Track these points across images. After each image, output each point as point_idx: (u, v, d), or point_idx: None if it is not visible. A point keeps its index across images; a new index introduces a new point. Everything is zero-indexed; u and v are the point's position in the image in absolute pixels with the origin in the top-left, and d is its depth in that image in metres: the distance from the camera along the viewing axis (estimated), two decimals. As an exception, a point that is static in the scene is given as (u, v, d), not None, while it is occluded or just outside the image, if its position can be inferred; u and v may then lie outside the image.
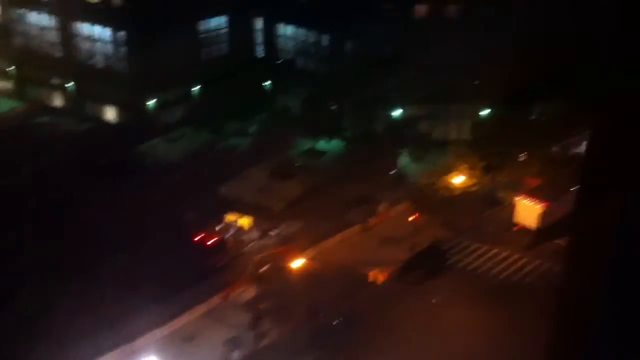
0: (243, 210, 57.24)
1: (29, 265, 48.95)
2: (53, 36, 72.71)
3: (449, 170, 58.92)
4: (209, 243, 52.45)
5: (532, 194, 58.05)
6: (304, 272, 49.98)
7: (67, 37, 71.42)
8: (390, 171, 61.95)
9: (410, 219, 54.54)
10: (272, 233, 55.29)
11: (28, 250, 49.89)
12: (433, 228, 57.15)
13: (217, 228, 54.45)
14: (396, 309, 48.99)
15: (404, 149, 64.08)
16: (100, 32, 69.25)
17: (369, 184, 60.24)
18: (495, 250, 55.85)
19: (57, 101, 75.12)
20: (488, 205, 60.50)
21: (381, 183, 60.75)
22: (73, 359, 41.76)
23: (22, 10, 73.50)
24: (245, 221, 54.37)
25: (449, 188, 58.55)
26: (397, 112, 65.36)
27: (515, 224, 57.28)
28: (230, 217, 54.29)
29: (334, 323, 46.64)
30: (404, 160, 64.05)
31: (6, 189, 56.71)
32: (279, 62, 73.81)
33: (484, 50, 64.48)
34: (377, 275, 51.03)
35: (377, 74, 65.84)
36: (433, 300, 49.88)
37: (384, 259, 53.35)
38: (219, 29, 74.32)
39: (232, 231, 53.70)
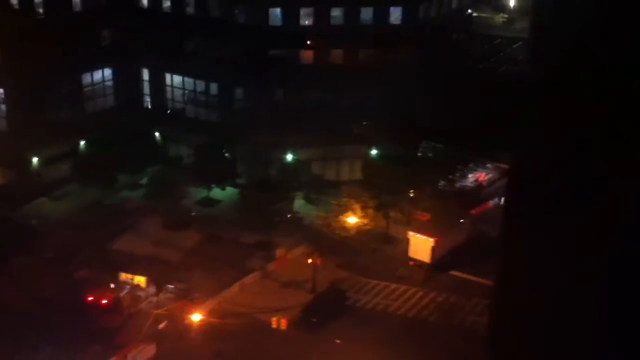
0: (139, 264, 55.96)
1: None
2: None
3: (343, 210, 59.99)
4: (103, 302, 50.73)
5: (423, 228, 59.97)
6: (206, 325, 49.27)
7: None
8: (286, 215, 62.35)
9: (309, 261, 54.91)
10: (170, 286, 54.17)
11: None
12: (331, 269, 57.81)
13: (111, 286, 52.81)
14: (301, 353, 49.07)
15: (298, 192, 64.69)
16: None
17: (266, 229, 60.34)
18: (392, 287, 57.12)
19: None
20: (382, 242, 61.94)
21: (278, 228, 60.99)
22: None
23: None
24: (141, 279, 53.03)
25: (344, 228, 59.57)
26: (289, 156, 66.12)
27: (410, 259, 58.86)
28: (125, 276, 52.77)
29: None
30: (299, 203, 64.65)
31: None
32: (168, 111, 73.19)
33: (373, 92, 66.76)
34: (280, 321, 50.95)
35: (268, 119, 66.54)
36: (337, 341, 50.33)
37: (286, 303, 53.45)
38: (104, 81, 73.02)
39: (127, 289, 52.18)
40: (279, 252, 58.55)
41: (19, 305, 49.15)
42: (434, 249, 57.90)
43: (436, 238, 58.07)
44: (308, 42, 67.56)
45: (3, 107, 66.77)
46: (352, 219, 59.93)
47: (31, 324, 47.54)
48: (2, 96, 66.30)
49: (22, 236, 56.75)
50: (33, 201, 65.50)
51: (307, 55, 67.87)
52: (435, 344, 50.21)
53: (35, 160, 66.74)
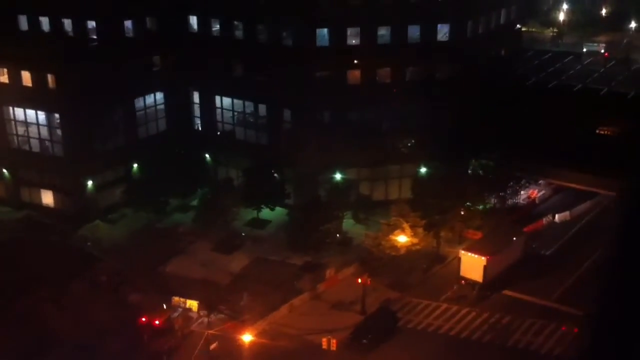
0: (189, 287, 56.54)
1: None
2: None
3: (393, 230, 59.54)
4: (156, 324, 51.29)
5: (475, 247, 59.04)
6: (256, 346, 49.28)
7: (1, 122, 70.37)
8: (335, 235, 62.20)
9: (358, 282, 54.56)
10: (220, 308, 54.50)
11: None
12: (381, 289, 57.38)
13: (164, 307, 53.41)
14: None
15: (347, 212, 64.52)
16: (35, 116, 68.49)
17: (315, 250, 60.29)
18: (444, 307, 56.29)
19: (-5, 190, 73.50)
20: (433, 262, 61.21)
21: (327, 248, 60.87)
22: None
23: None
24: (193, 303, 53.54)
25: (394, 248, 59.08)
26: (338, 176, 66.10)
27: (462, 279, 57.94)
28: (177, 300, 53.33)
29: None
30: (348, 223, 64.45)
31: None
32: (218, 134, 74.09)
33: (418, 111, 66.37)
34: (331, 342, 50.62)
35: (316, 140, 66.74)
36: (388, 362, 49.75)
37: (336, 324, 53.15)
38: (156, 105, 74.42)
39: (179, 311, 52.71)
40: (328, 272, 58.44)
41: (74, 334, 49.86)
42: (486, 268, 56.89)
43: (488, 257, 57.09)
44: (355, 62, 67.57)
45: (59, 132, 68.53)
46: (402, 238, 59.43)
47: (86, 351, 48.18)
48: (58, 121, 68.08)
49: (77, 260, 57.92)
50: (88, 225, 66.97)
51: (354, 75, 67.83)
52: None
53: (90, 184, 68.25)
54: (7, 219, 68.35)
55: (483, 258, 56.94)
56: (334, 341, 50.49)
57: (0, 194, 72.63)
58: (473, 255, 57.58)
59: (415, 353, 50.56)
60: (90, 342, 48.98)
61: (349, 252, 61.46)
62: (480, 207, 65.16)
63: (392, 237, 59.26)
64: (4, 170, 71.30)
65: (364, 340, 51.31)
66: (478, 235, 63.40)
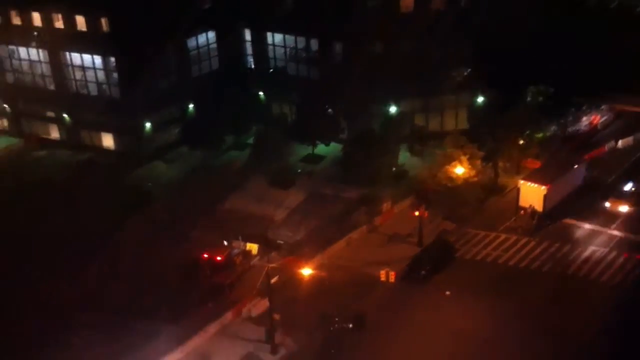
0: (247, 222, 57.50)
1: (45, 295, 49.05)
2: (44, 69, 72.95)
3: (449, 161, 58.70)
4: (217, 259, 52.49)
5: (535, 176, 57.94)
6: (314, 279, 50.00)
7: (58, 68, 71.64)
8: (391, 168, 61.80)
9: (415, 214, 54.41)
10: (279, 242, 55.36)
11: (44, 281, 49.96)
12: (439, 221, 57.17)
13: (224, 243, 54.52)
14: (409, 305, 49.08)
15: (402, 144, 63.88)
16: (90, 60, 69.42)
17: (371, 183, 60.14)
18: (502, 237, 55.81)
19: (54, 134, 75.40)
20: (491, 192, 60.44)
21: (382, 181, 60.61)
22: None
23: (11, 47, 73.77)
24: (253, 246, 54.40)
25: (451, 179, 58.33)
26: (392, 109, 65.24)
27: (521, 208, 57.13)
28: (238, 243, 54.26)
29: (349, 326, 46.70)
30: (403, 156, 63.87)
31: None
32: (271, 70, 73.80)
33: (473, 38, 64.40)
34: (388, 274, 51.01)
35: (369, 73, 65.81)
36: (447, 293, 49.94)
37: (393, 257, 53.40)
38: (208, 45, 74.36)
39: (239, 250, 53.77)
40: (384, 205, 58.44)
41: (134, 271, 51.46)
42: (546, 197, 55.88)
43: (548, 185, 56.00)
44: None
45: (114, 75, 69.41)
46: (458, 170, 58.62)
47: (146, 288, 49.81)
48: (113, 64, 68.88)
49: (137, 199, 59.29)
50: (147, 165, 68.36)
51: (406, 3, 65.99)
52: (550, 295, 48.88)
53: (147, 125, 69.34)
54: (69, 162, 70.26)
55: (543, 187, 55.89)
56: (392, 273, 50.85)
57: (63, 138, 74.64)
58: (532, 184, 56.57)
59: (474, 283, 50.51)
60: (151, 276, 50.39)
61: (404, 184, 61.15)
62: (540, 135, 63.54)
63: (449, 168, 58.49)
64: (65, 115, 72.97)
65: (422, 272, 51.47)
66: (537, 164, 62.12)
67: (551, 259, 52.74)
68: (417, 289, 50.50)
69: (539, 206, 56.21)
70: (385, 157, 61.53)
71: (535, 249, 54.16)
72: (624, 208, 57.52)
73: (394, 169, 62.00)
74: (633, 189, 58.82)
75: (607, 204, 57.94)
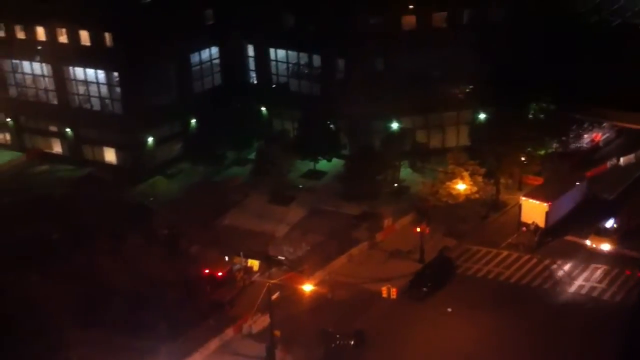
0: (247, 239, 57.44)
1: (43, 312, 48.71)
2: (47, 83, 73.19)
3: (450, 178, 58.74)
4: (218, 275, 52.37)
5: (536, 193, 57.90)
6: (316, 295, 49.87)
7: (61, 82, 71.86)
8: (392, 184, 61.80)
9: (417, 230, 54.36)
10: (280, 258, 55.23)
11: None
12: (439, 237, 57.06)
13: (225, 259, 54.41)
14: (410, 321, 48.88)
15: (403, 160, 63.90)
16: (94, 74, 69.67)
17: (372, 199, 60.13)
18: (504, 254, 55.67)
19: (56, 148, 75.44)
20: (492, 209, 60.39)
21: (384, 197, 60.59)
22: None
23: (15, 61, 74.09)
24: (254, 262, 54.32)
25: (452, 196, 58.33)
26: (393, 125, 65.40)
27: (523, 225, 57.03)
28: (239, 259, 54.17)
29: (351, 343, 46.48)
30: (404, 172, 63.88)
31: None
32: (273, 86, 73.99)
33: (474, 55, 64.61)
34: (390, 291, 50.79)
35: (371, 89, 66.01)
36: (448, 310, 49.74)
37: (394, 273, 53.26)
38: (211, 60, 74.65)
39: (240, 266, 53.65)
40: (385, 221, 58.38)
41: (133, 287, 51.08)
42: (548, 214, 55.81)
43: (550, 202, 55.94)
44: (410, 7, 66.03)
45: (117, 89, 69.63)
46: (460, 186, 58.62)
47: (145, 304, 49.45)
48: (116, 79, 69.12)
49: (137, 215, 59.23)
50: (148, 180, 68.42)
51: (408, 21, 66.29)
52: (552, 312, 48.68)
53: (148, 140, 69.42)
54: (70, 177, 70.30)
55: (545, 204, 55.84)
56: (394, 290, 50.64)
57: (65, 153, 74.72)
58: (534, 201, 56.52)
59: (475, 300, 50.32)
60: (150, 293, 50.18)
61: (406, 200, 61.14)
62: (542, 151, 63.57)
63: (450, 185, 58.48)
64: (67, 129, 73.10)
65: (424, 288, 51.29)
66: (539, 180, 62.09)
67: (553, 276, 52.56)
68: (418, 306, 50.30)
69: (540, 223, 56.11)
70: (386, 173, 61.56)
71: (537, 266, 53.98)
72: (605, 246, 55.06)
73: (395, 185, 62.01)
74: (615, 225, 56.33)
75: (588, 242, 55.55)
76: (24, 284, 50.48)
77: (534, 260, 54.52)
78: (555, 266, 53.63)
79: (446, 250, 55.71)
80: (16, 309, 45.72)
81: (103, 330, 47.50)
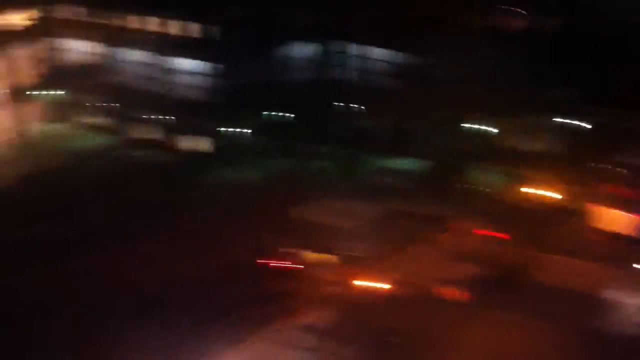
0: (320, 231, 57.81)
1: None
2: (148, 71, 76.63)
3: (529, 183, 56.59)
4: (281, 266, 53.03)
5: (622, 203, 54.79)
6: (375, 292, 49.53)
7: (161, 71, 75.07)
8: (469, 186, 60.27)
9: (488, 234, 52.79)
10: (346, 254, 55.18)
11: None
12: (512, 243, 55.07)
13: (293, 251, 55.00)
14: (470, 327, 47.47)
15: (483, 163, 62.20)
16: (192, 65, 72.33)
17: (446, 200, 58.90)
18: (581, 264, 52.98)
19: (151, 135, 78.91)
20: (571, 216, 57.62)
21: (459, 199, 59.18)
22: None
23: (119, 48, 78.11)
24: (322, 255, 54.61)
25: (530, 201, 56.18)
26: (475, 127, 63.86)
27: (606, 235, 54.09)
28: (308, 253, 54.67)
29: (404, 342, 45.86)
30: (482, 174, 62.12)
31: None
32: (362, 83, 74.15)
33: (576, 57, 61.95)
34: (451, 293, 49.71)
35: (458, 89, 64.73)
36: (512, 318, 48.02)
37: (459, 276, 51.90)
38: (305, 55, 75.72)
39: (304, 258, 54.07)
40: (456, 223, 57.09)
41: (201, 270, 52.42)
42: (635, 227, 52.64)
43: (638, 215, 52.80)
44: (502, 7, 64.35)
45: (212, 80, 71.91)
46: (540, 192, 56.35)
47: (212, 285, 50.73)
48: (213, 70, 71.23)
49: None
50: (236, 168, 70.16)
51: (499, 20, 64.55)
52: (629, 330, 45.85)
53: (238, 130, 71.24)
54: (163, 162, 73.29)
55: (632, 215, 52.76)
56: (456, 293, 49.49)
57: (159, 140, 77.96)
58: (619, 212, 53.54)
59: (543, 310, 48.16)
60: (214, 278, 51.45)
61: (481, 203, 59.48)
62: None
63: (530, 190, 56.35)
64: (161, 117, 76.29)
65: (490, 294, 49.77)
66: (627, 192, 58.64)
67: (633, 293, 49.48)
68: (480, 312, 48.77)
69: (627, 234, 53.04)
70: (465, 174, 60.11)
71: (620, 278, 50.95)
72: None
73: (472, 186, 60.49)
74: None
75: None
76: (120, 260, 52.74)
77: (612, 274, 51.55)
78: (636, 282, 50.47)
79: (518, 257, 53.71)
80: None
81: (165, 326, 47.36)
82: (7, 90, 76.08)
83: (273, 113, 72.82)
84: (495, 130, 65.27)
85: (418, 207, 60.41)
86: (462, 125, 64.39)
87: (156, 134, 78.05)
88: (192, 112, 73.84)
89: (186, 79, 73.50)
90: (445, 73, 66.03)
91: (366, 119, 72.60)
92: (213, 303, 48.86)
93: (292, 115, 70.28)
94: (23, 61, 78.68)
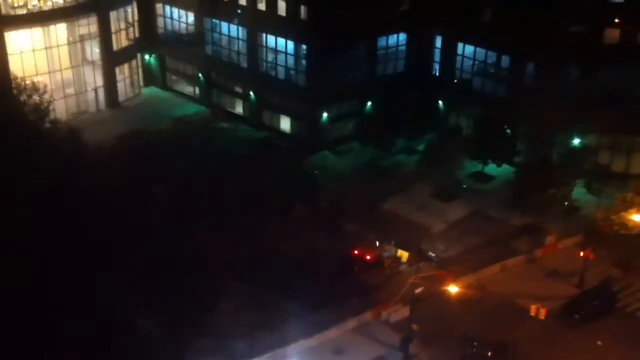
0: (403, 227, 57.25)
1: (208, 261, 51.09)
2: (241, 46, 76.73)
3: (628, 206, 54.77)
4: (367, 258, 52.65)
5: None
6: (461, 298, 48.81)
7: (253, 47, 75.02)
8: (563, 202, 58.71)
9: (581, 254, 51.41)
10: (431, 254, 54.52)
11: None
12: (605, 266, 53.59)
13: (377, 244, 54.57)
14: (556, 347, 46.53)
15: (580, 179, 60.46)
16: (284, 44, 72.02)
17: (539, 213, 57.54)
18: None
19: (238, 109, 79.26)
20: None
21: (552, 213, 57.75)
22: (226, 356, 43.57)
23: (215, 20, 78.24)
24: (404, 253, 54.05)
25: (626, 226, 54.45)
26: (575, 140, 61.96)
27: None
28: (389, 247, 54.14)
29: (488, 354, 45.14)
30: (578, 191, 60.46)
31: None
32: (455, 81, 72.72)
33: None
34: (539, 310, 48.68)
35: (559, 99, 62.90)
36: (598, 343, 46.88)
37: (548, 293, 50.91)
38: (397, 46, 74.64)
39: (389, 253, 53.57)
40: (549, 238, 55.83)
41: (290, 254, 52.22)
42: None
43: None
44: (616, 20, 62.01)
45: (304, 62, 71.54)
46: (636, 217, 54.56)
47: (299, 272, 50.45)
48: (305, 52, 70.98)
49: (305, 186, 60.63)
50: (317, 153, 69.96)
51: (612, 34, 62.26)
52: None
53: (325, 115, 70.89)
54: (248, 138, 73.49)
55: None
56: (544, 310, 48.50)
57: (245, 114, 78.26)
58: None
59: (631, 337, 46.92)
60: (305, 261, 51.31)
61: (574, 221, 57.89)
62: None
63: (626, 214, 54.60)
64: (251, 93, 76.37)
65: (576, 316, 48.69)
66: None
67: None
68: (567, 332, 47.79)
69: None
70: (559, 189, 58.54)
71: None
72: None
73: (566, 203, 58.88)
74: None
75: None
76: (197, 234, 53.24)
77: None
78: None
79: (610, 281, 52.25)
80: (187, 255, 48.53)
81: (257, 287, 49.25)
82: (106, 53, 76.96)
83: (367, 102, 71.95)
84: (600, 147, 63.12)
85: (509, 215, 59.17)
86: (561, 136, 62.45)
87: (244, 109, 78.30)
88: (279, 90, 73.62)
89: (275, 57, 73.27)
90: (549, 80, 63.97)
91: (459, 117, 71.19)
92: (302, 286, 48.79)
93: (384, 106, 69.21)
94: (121, 24, 79.46)
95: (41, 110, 47.54)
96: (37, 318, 32.78)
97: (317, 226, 56.33)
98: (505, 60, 68.08)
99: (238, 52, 77.25)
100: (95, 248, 34.70)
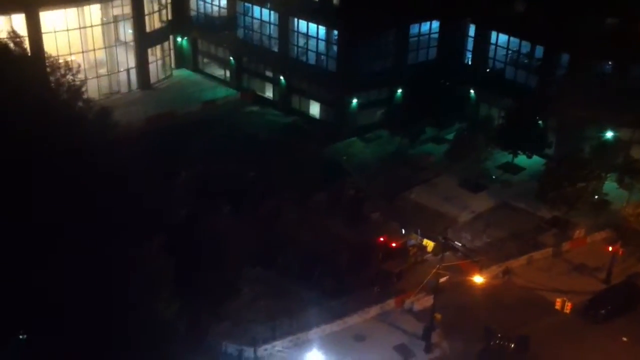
0: (428, 217, 57.01)
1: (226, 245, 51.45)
2: (272, 30, 76.67)
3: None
4: (392, 245, 52.52)
5: None
6: (485, 289, 48.57)
7: (284, 32, 74.91)
8: (593, 196, 57.93)
9: (610, 249, 50.75)
10: (457, 244, 54.20)
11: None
12: (632, 262, 52.88)
13: (402, 232, 54.40)
14: (580, 342, 46.11)
15: (611, 173, 59.59)
16: (315, 29, 71.78)
17: (567, 206, 56.81)
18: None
19: (268, 93, 79.31)
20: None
21: (580, 207, 57.02)
22: (247, 340, 43.90)
23: (247, 4, 78.22)
24: (430, 243, 53.83)
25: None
26: (608, 134, 61.02)
27: None
28: (415, 237, 53.96)
29: (510, 346, 44.87)
30: (608, 185, 59.58)
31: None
32: (487, 70, 71.90)
33: None
34: (564, 304, 48.11)
35: (592, 92, 61.95)
36: (624, 339, 46.36)
37: (574, 287, 50.39)
38: (430, 34, 74.00)
39: (414, 242, 53.41)
40: (577, 232, 55.15)
41: (311, 240, 52.31)
42: None
43: None
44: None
45: (335, 48, 71.27)
46: (666, 214, 53.64)
47: (319, 258, 50.73)
48: (336, 38, 70.71)
49: (330, 171, 60.70)
50: (345, 140, 69.82)
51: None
52: None
53: (354, 102, 70.65)
54: (276, 122, 73.63)
55: None
56: (569, 304, 47.83)
57: (275, 99, 78.31)
58: None
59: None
60: (326, 248, 51.37)
61: (603, 215, 57.12)
62: None
63: (657, 210, 53.70)
64: (281, 77, 76.34)
65: (602, 311, 48.15)
66: None
67: None
68: (592, 327, 47.32)
69: None
70: (589, 183, 57.68)
71: None
72: None
73: (595, 197, 58.09)
74: None
75: None
76: (215, 215, 53.62)
77: None
78: None
79: (637, 277, 51.55)
80: (204, 237, 48.96)
81: (275, 274, 49.73)
82: (138, 34, 77.37)
83: (396, 90, 71.52)
84: (633, 141, 62.02)
85: (537, 208, 58.54)
86: (593, 129, 61.51)
87: (273, 93, 78.36)
88: (309, 75, 73.48)
89: (305, 42, 73.08)
90: (583, 72, 62.96)
91: (490, 108, 70.44)
92: (322, 273, 49.01)
93: (414, 95, 68.70)
94: (154, 6, 79.78)
95: (74, 90, 48.03)
96: (56, 299, 33.15)
97: (340, 213, 56.48)
98: (538, 50, 67.20)
99: (269, 37, 77.22)
100: (114, 229, 34.98)
